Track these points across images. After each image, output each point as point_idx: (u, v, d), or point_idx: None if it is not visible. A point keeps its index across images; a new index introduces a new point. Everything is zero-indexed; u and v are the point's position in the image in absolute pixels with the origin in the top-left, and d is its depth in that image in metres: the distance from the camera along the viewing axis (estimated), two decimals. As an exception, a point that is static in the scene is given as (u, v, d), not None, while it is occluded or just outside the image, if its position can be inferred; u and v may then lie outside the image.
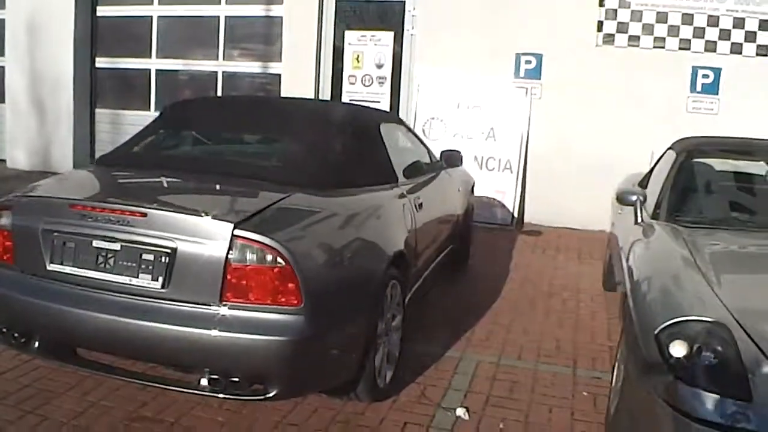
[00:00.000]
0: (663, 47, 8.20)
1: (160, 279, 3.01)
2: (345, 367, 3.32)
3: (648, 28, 8.20)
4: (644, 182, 5.39)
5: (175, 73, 10.49)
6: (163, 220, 3.04)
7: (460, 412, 3.69)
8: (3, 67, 11.00)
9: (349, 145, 4.04)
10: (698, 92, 8.20)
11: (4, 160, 11.11)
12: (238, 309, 2.96)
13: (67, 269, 3.18)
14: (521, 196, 8.69)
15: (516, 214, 8.61)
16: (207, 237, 2.95)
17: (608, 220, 7.94)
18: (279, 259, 2.91)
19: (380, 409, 3.65)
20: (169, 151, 4.44)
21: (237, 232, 2.93)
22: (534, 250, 7.67)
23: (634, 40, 8.27)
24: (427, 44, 8.85)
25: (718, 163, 4.67)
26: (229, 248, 2.93)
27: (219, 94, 10.10)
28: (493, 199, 8.48)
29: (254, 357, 2.95)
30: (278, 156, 4.23)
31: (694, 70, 8.16)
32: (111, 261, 3.10)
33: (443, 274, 5.55)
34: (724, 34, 8.02)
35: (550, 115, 8.52)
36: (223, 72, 10.12)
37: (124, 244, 3.07)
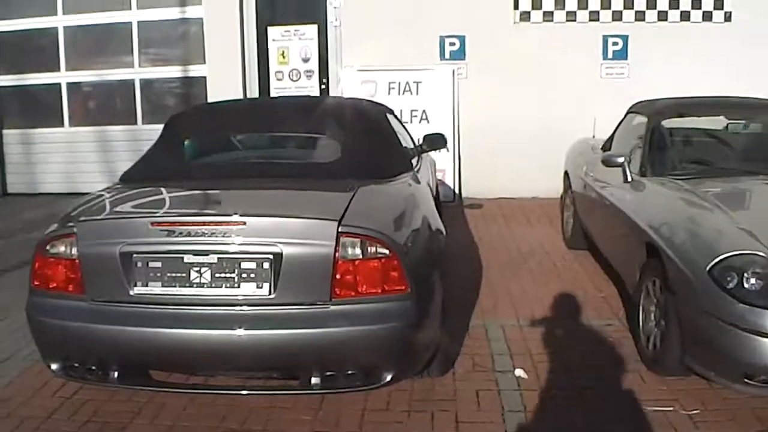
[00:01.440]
0: (575, 20, 8.84)
1: (266, 285, 3.07)
2: (434, 344, 3.55)
3: (560, 3, 8.82)
4: (607, 145, 5.89)
5: (88, 84, 10.14)
6: (265, 226, 3.09)
7: (519, 372, 4.02)
8: None
9: (382, 136, 4.26)
10: (610, 59, 8.91)
11: None
12: (349, 303, 3.08)
13: (156, 290, 3.13)
14: (459, 172, 9.11)
15: (456, 190, 9.03)
16: (312, 238, 3.06)
17: (558, 186, 8.60)
18: (385, 250, 3.09)
19: (446, 383, 3.88)
20: (208, 159, 4.45)
21: (342, 228, 3.06)
22: (485, 220, 8.11)
23: (548, 15, 8.87)
24: (352, 34, 9.04)
25: (683, 122, 5.22)
26: (336, 245, 3.05)
27: (138, 102, 9.86)
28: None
29: (371, 347, 3.10)
30: (325, 153, 4.34)
31: (605, 39, 8.85)
32: (206, 275, 3.10)
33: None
34: (629, 3, 8.75)
35: (477, 93, 8.95)
36: (141, 79, 9.89)
37: (220, 255, 3.09)
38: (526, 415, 3.56)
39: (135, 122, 10.01)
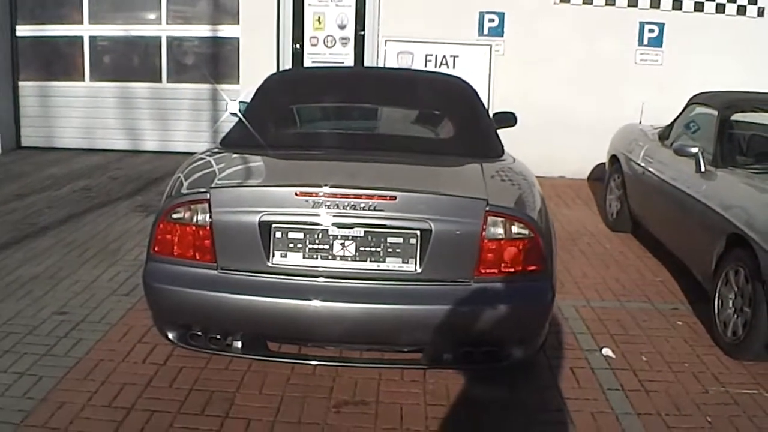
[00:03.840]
0: (613, 5, 8.91)
1: (412, 261, 3.09)
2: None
3: (600, -13, 8.86)
4: (666, 134, 6.01)
5: (112, 39, 9.97)
6: (416, 201, 3.11)
7: (607, 351, 4.16)
8: None
9: (486, 114, 4.30)
10: (645, 45, 9.02)
11: None
12: (491, 281, 3.14)
13: (297, 262, 3.11)
14: (489, 148, 9.17)
15: (486, 166, 9.10)
16: (461, 216, 3.10)
17: (586, 167, 8.73)
18: (527, 230, 3.16)
19: (538, 360, 3.95)
20: (321, 127, 4.39)
21: (489, 208, 3.12)
22: (518, 199, 8.20)
23: (587, -1, 8.90)
24: (391, 3, 9.01)
25: (747, 116, 5.35)
26: (483, 224, 3.10)
27: (164, 58, 9.72)
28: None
29: (510, 325, 3.17)
30: (438, 129, 4.36)
31: (641, 25, 8.95)
32: (351, 248, 3.11)
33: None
34: (667, -9, 8.85)
35: (512, 71, 9.00)
36: (168, 37, 9.74)
37: (367, 229, 3.10)
38: (626, 393, 3.69)
39: (160, 80, 9.87)
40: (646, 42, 8.99)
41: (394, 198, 3.08)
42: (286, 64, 9.34)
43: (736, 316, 4.15)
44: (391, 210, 3.08)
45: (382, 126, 4.70)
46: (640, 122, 6.96)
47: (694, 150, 4.98)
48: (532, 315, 3.25)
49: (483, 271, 3.13)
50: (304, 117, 4.49)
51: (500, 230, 3.15)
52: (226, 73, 9.67)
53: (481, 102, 4.47)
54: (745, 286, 4.06)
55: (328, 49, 9.32)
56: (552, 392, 3.68)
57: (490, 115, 4.92)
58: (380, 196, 3.08)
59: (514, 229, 3.16)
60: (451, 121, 4.25)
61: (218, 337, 3.28)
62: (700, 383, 3.84)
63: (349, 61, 9.33)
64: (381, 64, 8.81)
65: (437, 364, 3.30)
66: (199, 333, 3.30)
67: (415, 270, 3.10)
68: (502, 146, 4.19)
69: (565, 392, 3.68)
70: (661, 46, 8.98)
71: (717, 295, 4.37)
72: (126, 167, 9.07)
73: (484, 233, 3.11)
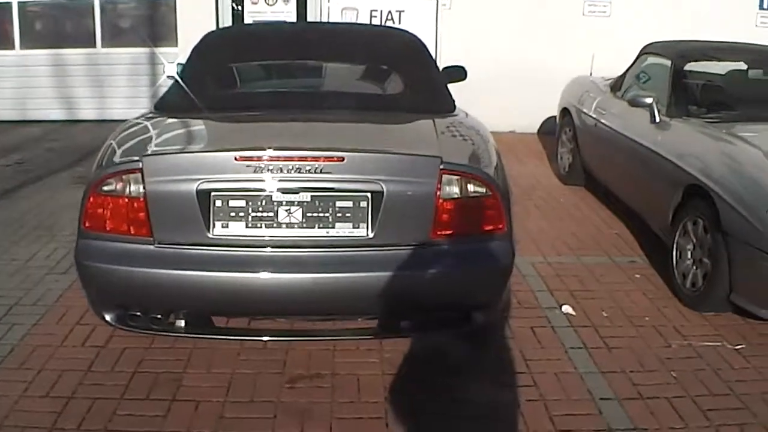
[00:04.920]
0: (562, -47, 8.73)
1: (363, 225, 2.91)
2: None
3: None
4: (618, 85, 5.91)
5: (42, 4, 9.46)
6: (366, 162, 2.91)
7: (567, 308, 4.08)
8: None
9: (436, 69, 4.12)
10: (593, -5, 8.88)
11: None
12: (449, 243, 2.97)
13: (239, 232, 2.89)
14: (438, 105, 9.01)
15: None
16: (415, 175, 2.92)
17: (536, 121, 8.62)
18: (485, 188, 3.00)
19: (498, 321, 3.83)
20: (262, 87, 4.14)
21: (444, 166, 2.93)
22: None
23: (533, -51, 8.71)
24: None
25: (702, 66, 5.27)
26: (438, 183, 2.92)
27: (98, 22, 9.27)
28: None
29: (471, 288, 3.04)
30: (387, 84, 4.14)
31: (588, -24, 8.80)
32: (297, 215, 2.91)
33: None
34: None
35: (459, 26, 8.82)
36: (101, -1, 9.29)
37: (314, 193, 2.90)
38: (589, 351, 3.61)
39: (94, 45, 9.43)
40: (594, -8, 8.87)
41: (341, 159, 2.88)
42: (226, 24, 8.98)
43: (695, 267, 4.10)
44: (338, 172, 2.88)
45: (327, 83, 4.46)
46: (591, 74, 6.86)
47: (649, 100, 4.89)
48: (493, 277, 3.10)
49: (439, 233, 2.97)
50: (244, 76, 4.22)
51: (456, 189, 2.98)
52: (163, 35, 9.31)
53: (431, 56, 4.29)
54: (704, 237, 4.01)
55: (270, 7, 9.01)
56: (514, 354, 3.58)
57: (440, 69, 4.73)
58: (327, 158, 2.87)
59: (471, 187, 3.00)
60: (401, 76, 4.04)
61: (159, 316, 3.08)
62: (662, 337, 3.79)
63: (292, 19, 9.01)
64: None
65: (394, 333, 3.14)
66: (139, 313, 3.09)
67: (367, 235, 2.93)
68: (454, 101, 4.01)
69: (527, 353, 3.58)
70: (609, -4, 8.86)
71: (675, 246, 4.32)
72: (63, 138, 8.67)
73: (439, 193, 2.94)
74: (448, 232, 2.99)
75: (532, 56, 8.68)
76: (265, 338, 3.34)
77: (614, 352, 3.62)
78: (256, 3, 8.99)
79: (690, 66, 5.19)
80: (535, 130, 9.10)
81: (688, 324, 3.95)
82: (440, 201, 2.95)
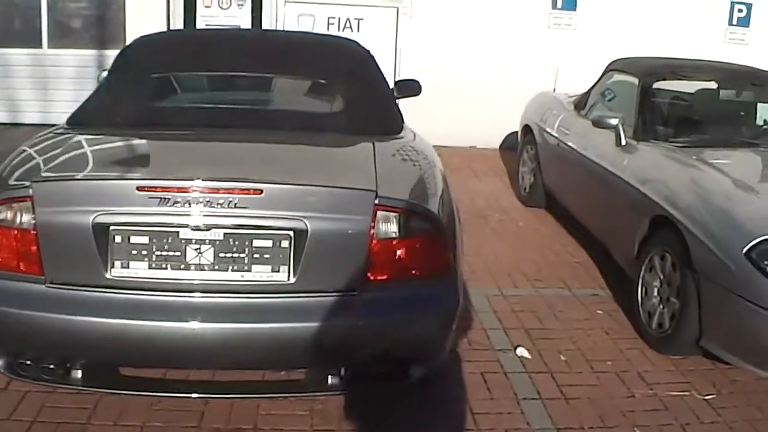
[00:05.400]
0: (526, -37, 8.44)
1: (284, 268, 2.54)
2: None
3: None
4: (582, 103, 5.60)
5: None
6: (288, 195, 2.54)
7: (522, 351, 3.73)
8: None
9: (382, 84, 3.73)
10: (558, 8, 8.61)
11: None
12: (383, 290, 2.60)
13: (141, 273, 2.53)
14: (398, 118, 8.67)
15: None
16: (344, 212, 2.55)
17: (497, 136, 8.30)
18: (427, 224, 2.63)
19: (449, 365, 3.40)
20: (186, 101, 3.74)
21: (379, 201, 2.56)
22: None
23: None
24: (290, -39, 8.30)
25: (671, 85, 4.98)
26: (372, 221, 2.55)
27: (44, 21, 8.77)
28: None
29: (411, 339, 2.66)
30: (325, 101, 3.70)
31: (553, -12, 8.54)
32: (208, 255, 2.53)
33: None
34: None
35: (421, 34, 8.48)
36: (48, -3, 8.77)
37: (228, 231, 2.52)
38: (544, 403, 3.26)
39: (40, 46, 8.91)
40: (559, 5, 8.58)
41: (259, 192, 2.50)
42: (178, 27, 8.52)
43: (662, 306, 3.78)
44: (256, 207, 2.50)
45: (255, 99, 4.04)
46: (554, 90, 6.55)
47: (614, 121, 4.58)
48: (434, 327, 2.73)
49: (373, 277, 2.59)
50: (164, 89, 3.76)
51: (393, 227, 2.60)
52: (112, 37, 8.79)
53: (379, 69, 3.86)
54: (673, 274, 3.69)
55: (223, 11, 8.56)
56: (460, 406, 3.21)
57: (391, 83, 4.34)
58: (242, 190, 2.50)
59: (411, 224, 2.62)
60: (341, 91, 3.63)
61: (52, 366, 2.66)
62: (625, 385, 3.46)
63: (246, 25, 8.58)
64: (280, 28, 8.10)
65: (322, 390, 2.74)
66: (29, 362, 2.67)
67: (288, 279, 2.55)
68: (402, 120, 3.64)
69: (475, 405, 3.21)
70: (574, 9, 8.58)
71: (641, 282, 4.00)
72: (1, 141, 8.13)
73: (372, 231, 2.56)
74: (382, 276, 2.61)
75: (495, 68, 8.41)
76: (173, 395, 2.89)
77: (572, 404, 3.27)
78: (209, 6, 8.54)
79: (658, 84, 4.88)
80: (497, 146, 8.77)
81: (654, 369, 3.62)
82: (374, 241, 2.57)
